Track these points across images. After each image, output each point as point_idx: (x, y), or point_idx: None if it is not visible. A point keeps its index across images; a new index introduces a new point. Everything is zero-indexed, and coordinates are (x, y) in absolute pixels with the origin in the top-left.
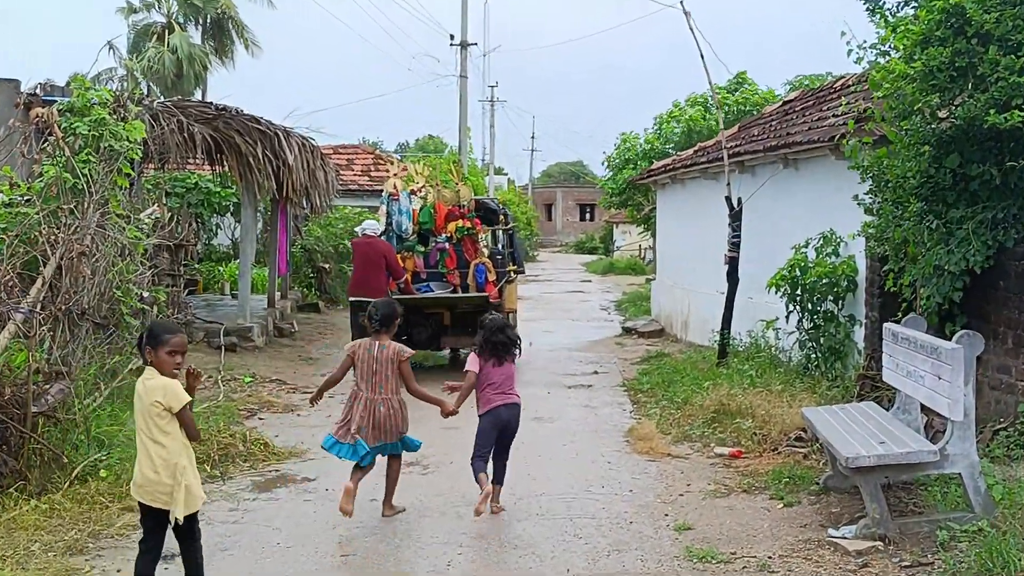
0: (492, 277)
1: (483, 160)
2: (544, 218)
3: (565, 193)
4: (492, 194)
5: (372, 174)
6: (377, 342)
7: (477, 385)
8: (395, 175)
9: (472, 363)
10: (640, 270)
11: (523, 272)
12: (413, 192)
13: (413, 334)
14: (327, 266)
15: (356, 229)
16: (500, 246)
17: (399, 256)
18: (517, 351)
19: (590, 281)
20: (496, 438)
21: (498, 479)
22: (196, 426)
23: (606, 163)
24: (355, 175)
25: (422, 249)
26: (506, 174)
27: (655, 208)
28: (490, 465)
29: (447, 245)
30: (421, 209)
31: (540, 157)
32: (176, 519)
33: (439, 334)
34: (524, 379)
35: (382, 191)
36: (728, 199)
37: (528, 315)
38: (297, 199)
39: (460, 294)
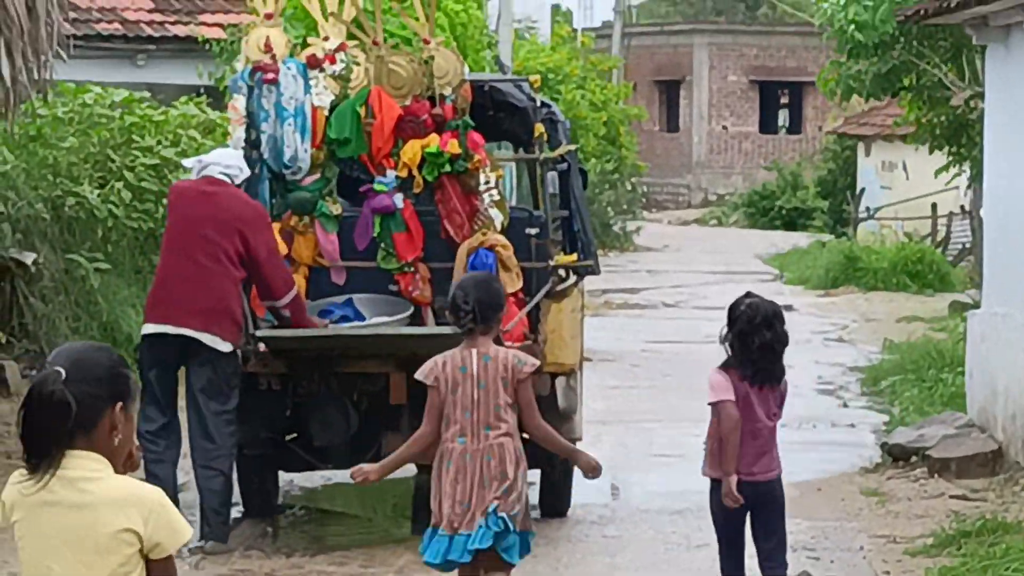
0: (515, 284)
1: None
2: (658, 124)
3: (718, 50)
4: (508, 61)
5: None
6: (474, 351)
7: (711, 425)
8: (265, 18)
9: (722, 386)
10: (935, 276)
11: (594, 271)
12: (314, 63)
13: (313, 430)
14: (32, 259)
15: (188, 163)
16: (540, 205)
17: (279, 230)
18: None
19: (790, 308)
20: (744, 525)
21: None
22: None
23: None
24: None
25: (335, 211)
26: None
27: (979, 102)
28: None
29: (397, 199)
30: (335, 108)
31: None
32: None
33: (375, 428)
34: None
35: (215, 48)
36: None
37: (614, 400)
38: None
39: (431, 328)
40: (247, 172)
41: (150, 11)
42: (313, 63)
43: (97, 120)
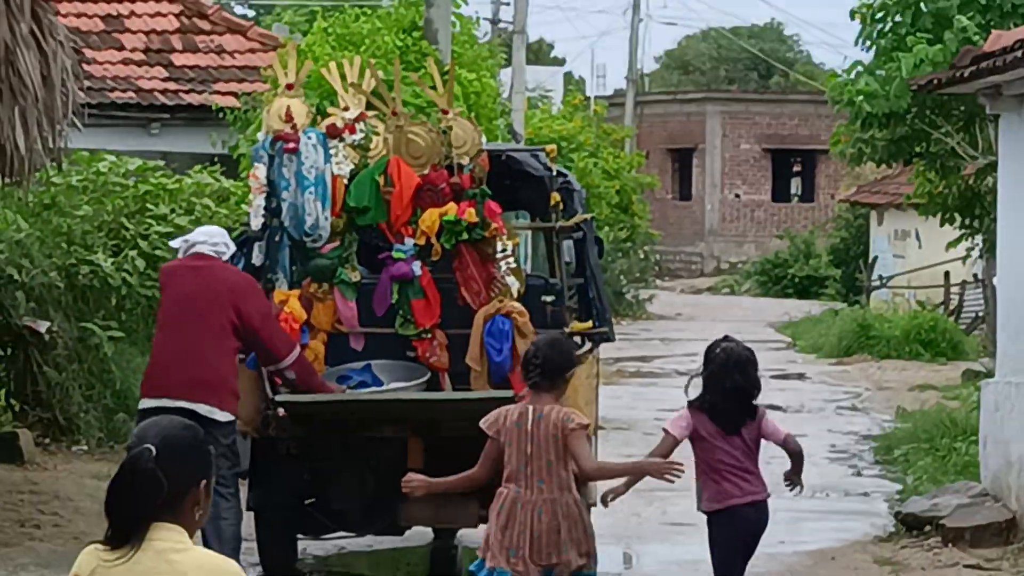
0: None
1: (493, 23)
2: (671, 192)
3: (731, 118)
4: (519, 128)
5: (177, 61)
6: (531, 408)
7: (697, 461)
8: (286, 88)
9: (677, 422)
10: (948, 345)
11: (609, 338)
12: (334, 132)
13: (331, 494)
14: (45, 328)
15: (175, 243)
16: (556, 273)
17: (283, 301)
18: (759, 410)
19: (803, 376)
20: (744, 557)
21: None
22: None
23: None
24: (134, 61)
25: (354, 278)
26: (561, 63)
27: (990, 171)
28: None
29: (416, 266)
30: (355, 177)
31: (659, 14)
32: None
33: (394, 495)
34: None
35: (229, 117)
36: None
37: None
38: None
39: (448, 393)
40: (233, 248)
41: (164, 80)
42: (333, 133)
43: (111, 188)
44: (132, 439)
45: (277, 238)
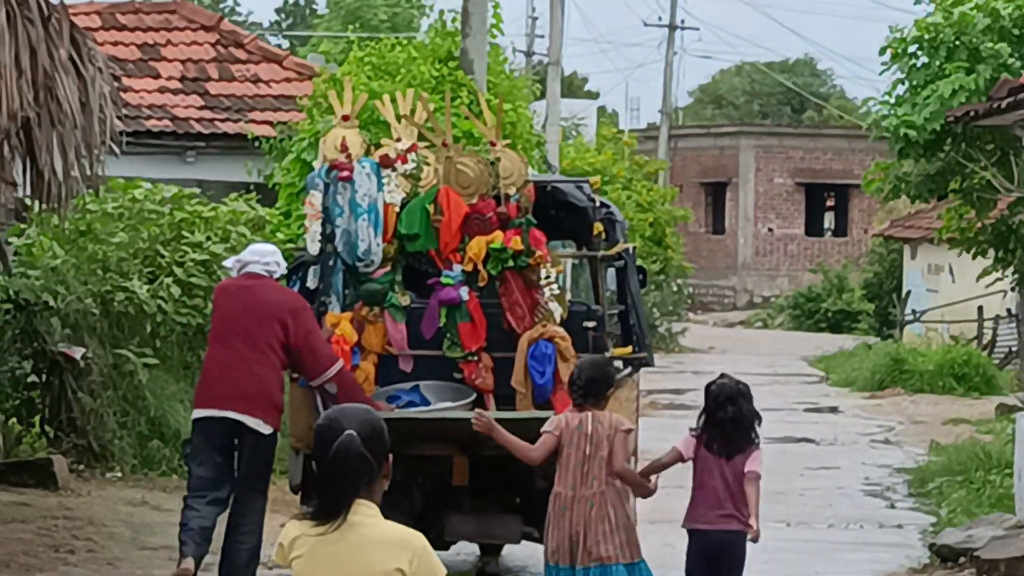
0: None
1: (528, 55)
2: (704, 226)
3: (764, 152)
4: (554, 160)
5: (213, 90)
6: (589, 414)
7: (693, 482)
8: (342, 119)
9: (687, 442)
10: (981, 379)
11: (649, 363)
12: (387, 162)
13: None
14: (80, 354)
15: (228, 263)
16: (596, 299)
17: (336, 324)
18: (756, 438)
19: (836, 410)
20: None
21: None
22: None
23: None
24: (170, 89)
25: (403, 302)
26: (595, 96)
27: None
28: None
29: (463, 292)
30: (406, 205)
31: (694, 47)
32: None
33: (438, 510)
34: None
35: (264, 146)
36: None
37: (660, 500)
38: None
39: (493, 413)
40: (284, 266)
41: (200, 108)
42: (386, 162)
43: (147, 216)
44: (322, 422)
45: (331, 263)
